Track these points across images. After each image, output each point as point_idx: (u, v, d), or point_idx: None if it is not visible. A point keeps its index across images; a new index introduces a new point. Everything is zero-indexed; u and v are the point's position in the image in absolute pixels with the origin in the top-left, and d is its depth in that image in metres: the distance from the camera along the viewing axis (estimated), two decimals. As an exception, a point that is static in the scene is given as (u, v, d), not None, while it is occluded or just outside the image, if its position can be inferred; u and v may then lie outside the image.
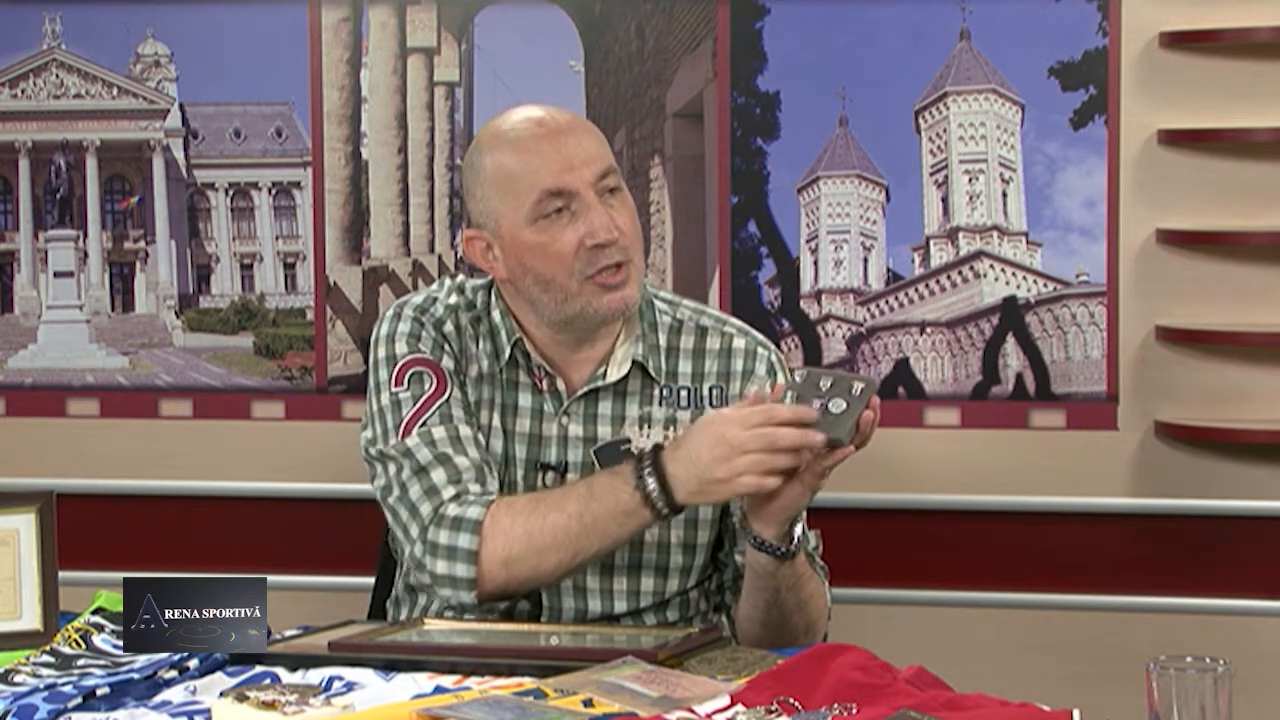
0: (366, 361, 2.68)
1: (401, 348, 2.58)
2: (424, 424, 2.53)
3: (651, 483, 2.38)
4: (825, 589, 2.60)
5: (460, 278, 2.69)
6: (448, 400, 2.55)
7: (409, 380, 2.56)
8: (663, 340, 2.61)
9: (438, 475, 2.50)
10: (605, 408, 2.58)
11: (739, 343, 2.63)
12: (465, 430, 2.54)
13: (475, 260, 2.58)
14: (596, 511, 2.42)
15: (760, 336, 2.68)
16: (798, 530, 2.42)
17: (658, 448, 2.41)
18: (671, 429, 2.58)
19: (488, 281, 2.64)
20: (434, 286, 2.66)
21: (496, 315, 2.59)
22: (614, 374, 2.57)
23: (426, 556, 2.47)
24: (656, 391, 2.59)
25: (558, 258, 2.49)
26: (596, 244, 2.48)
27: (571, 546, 2.43)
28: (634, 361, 2.57)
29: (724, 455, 2.33)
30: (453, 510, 2.47)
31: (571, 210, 2.49)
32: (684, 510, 2.42)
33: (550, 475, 2.57)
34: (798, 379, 2.35)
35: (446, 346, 2.58)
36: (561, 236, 2.49)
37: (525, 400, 2.59)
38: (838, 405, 2.32)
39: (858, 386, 2.33)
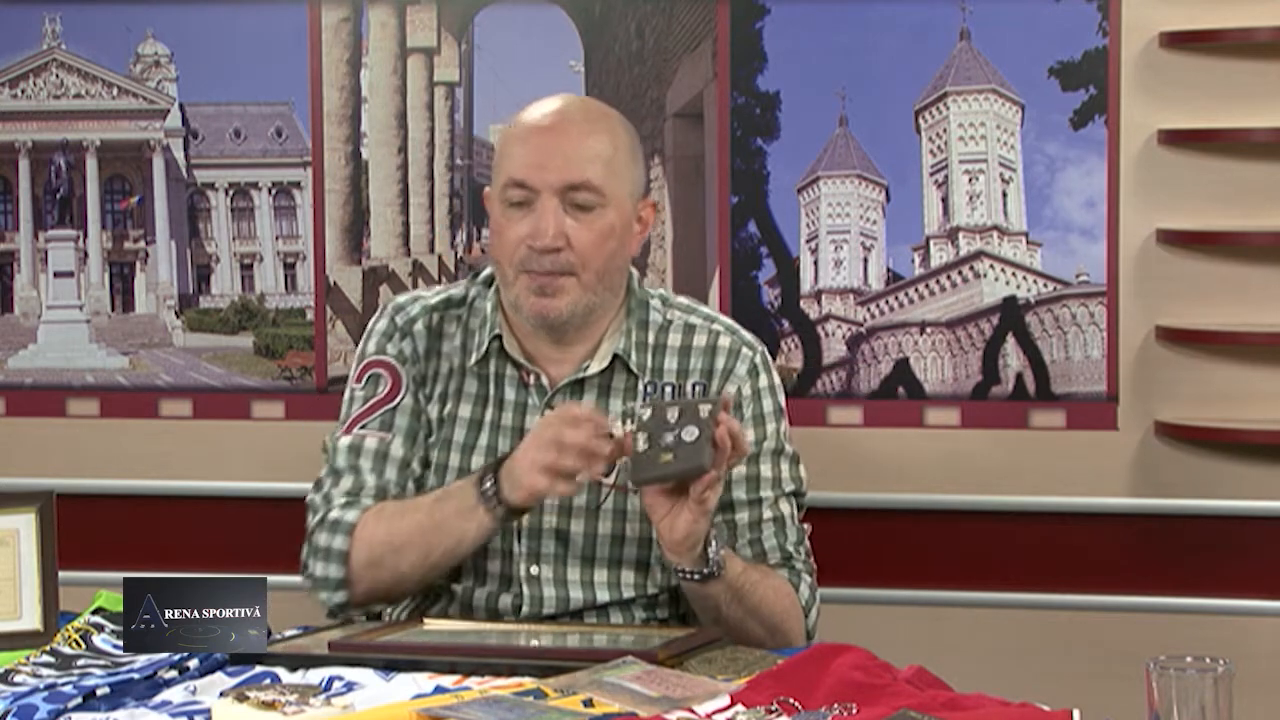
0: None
1: (371, 346, 2.68)
2: (364, 426, 2.62)
3: (489, 482, 2.43)
4: (804, 585, 2.59)
5: (474, 273, 2.73)
6: (395, 407, 2.63)
7: (367, 380, 2.66)
8: (651, 338, 2.63)
9: (345, 483, 2.60)
10: (589, 401, 2.59)
11: (724, 341, 2.65)
12: (396, 445, 2.61)
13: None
14: (446, 510, 2.48)
15: (748, 336, 2.68)
16: (711, 552, 2.43)
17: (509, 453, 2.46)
18: None
19: (489, 276, 2.67)
20: (433, 288, 2.73)
21: (488, 307, 2.63)
22: (596, 366, 2.60)
23: (309, 559, 2.58)
24: (640, 387, 2.60)
25: (505, 244, 2.56)
26: (531, 246, 2.52)
27: (423, 545, 2.49)
28: (615, 355, 2.59)
29: (524, 449, 2.40)
30: (334, 514, 2.57)
31: (531, 206, 2.54)
32: (520, 512, 2.46)
33: None
34: (644, 416, 2.34)
35: (414, 344, 2.64)
36: (513, 226, 2.55)
37: (509, 393, 2.61)
38: (690, 433, 2.30)
39: (704, 409, 2.31)
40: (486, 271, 2.69)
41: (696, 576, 2.43)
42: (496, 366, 2.62)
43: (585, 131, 2.58)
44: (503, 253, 2.56)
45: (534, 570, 2.57)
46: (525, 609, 2.56)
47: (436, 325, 2.66)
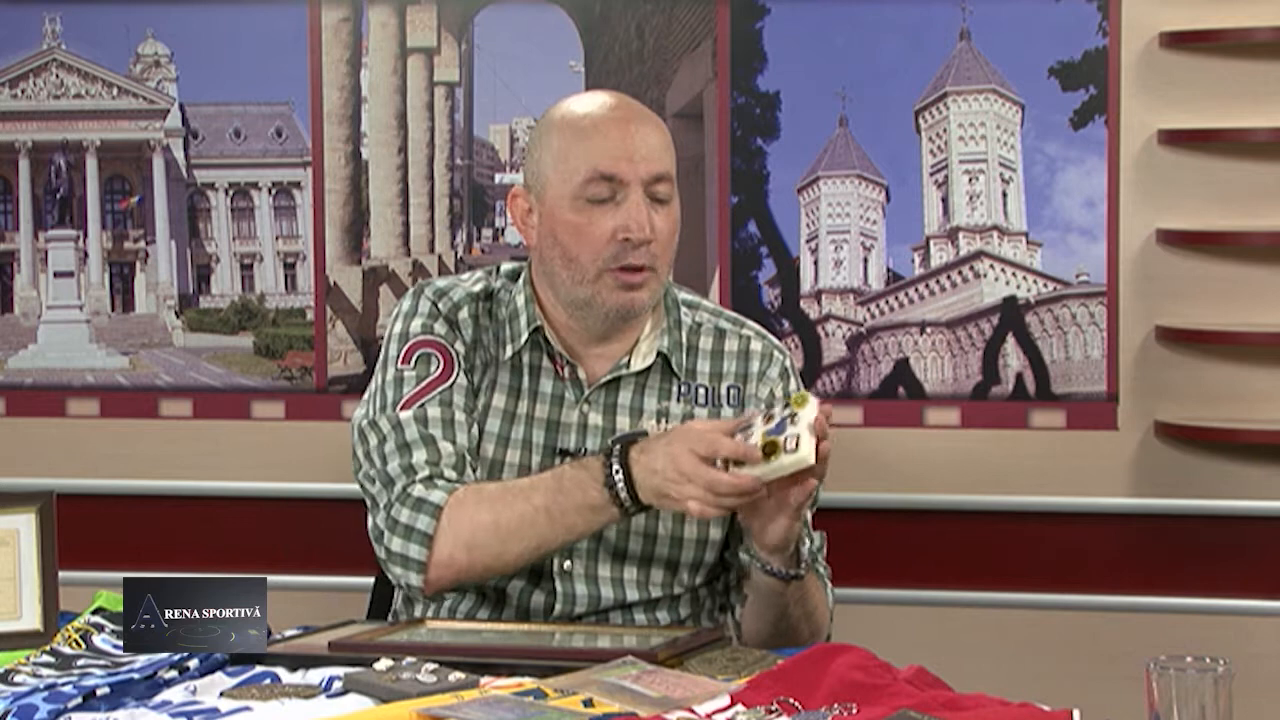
0: (371, 356, 2.69)
1: (415, 326, 2.59)
2: (421, 405, 2.55)
3: (619, 481, 2.39)
4: (828, 592, 2.61)
5: (490, 267, 2.70)
6: (451, 386, 2.56)
7: (416, 360, 2.58)
8: (685, 339, 2.62)
9: (418, 455, 2.52)
10: (625, 398, 2.59)
11: (756, 345, 2.65)
12: (460, 416, 2.55)
13: (514, 218, 2.61)
14: (564, 505, 2.43)
15: (776, 340, 2.70)
16: (804, 550, 2.45)
17: (627, 445, 2.41)
18: None
19: (513, 270, 2.65)
20: (463, 275, 2.68)
21: (520, 300, 2.60)
22: (638, 364, 2.58)
23: (385, 531, 2.50)
24: (675, 387, 2.60)
25: (589, 241, 2.50)
26: (628, 238, 2.49)
27: (536, 537, 2.45)
28: (659, 353, 2.58)
29: (674, 479, 2.35)
30: (418, 491, 2.49)
31: (615, 200, 2.50)
32: (649, 509, 2.43)
33: (570, 461, 2.57)
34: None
35: (459, 332, 2.59)
36: (599, 221, 2.49)
37: (546, 386, 2.59)
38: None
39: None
40: (508, 266, 2.67)
41: (784, 575, 2.43)
42: (531, 359, 2.60)
43: (654, 122, 2.56)
44: (584, 249, 2.50)
45: (566, 565, 2.56)
46: (558, 607, 2.55)
47: (480, 315, 2.61)
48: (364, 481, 2.59)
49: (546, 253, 2.55)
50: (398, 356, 2.59)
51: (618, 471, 2.38)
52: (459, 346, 2.58)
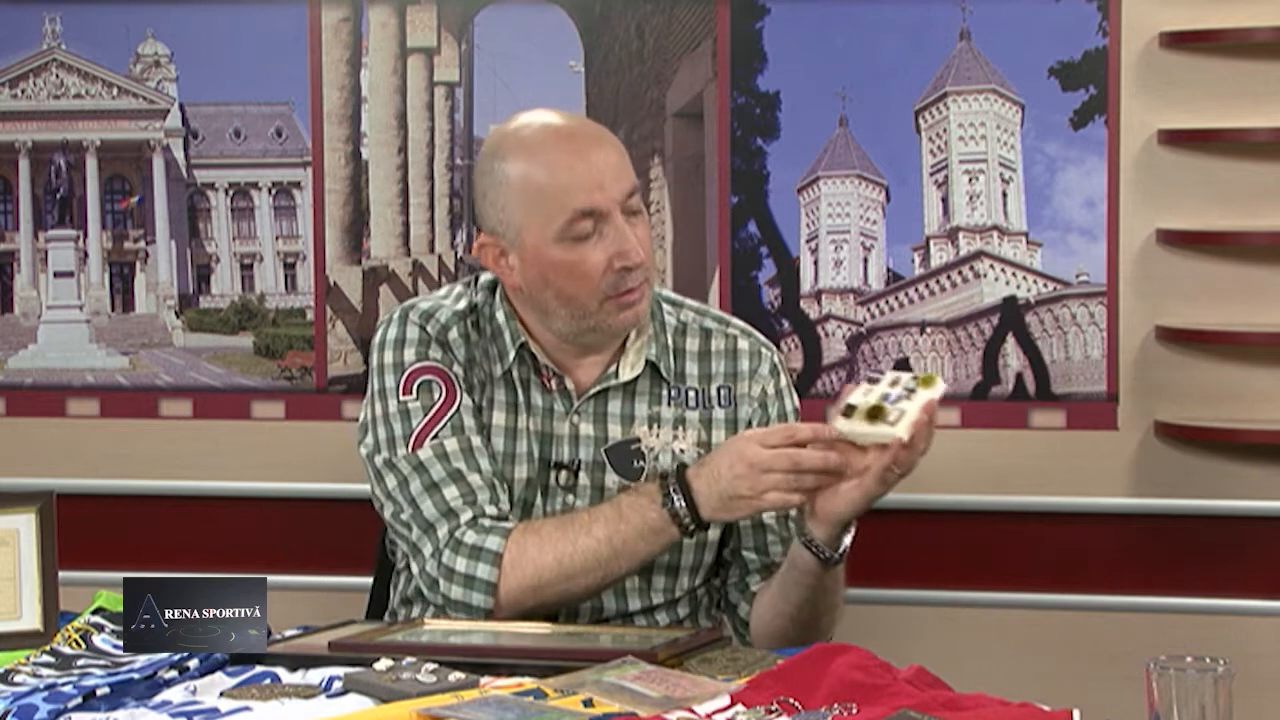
0: (367, 363, 2.67)
1: (409, 355, 2.56)
2: (435, 436, 2.53)
3: (678, 500, 2.41)
4: None
5: (468, 279, 2.68)
6: (458, 410, 2.54)
7: (418, 389, 2.55)
8: (670, 342, 2.62)
9: (451, 493, 2.50)
10: (615, 407, 2.58)
11: (743, 344, 2.65)
12: (477, 441, 2.53)
13: (488, 266, 2.56)
14: (626, 533, 2.44)
15: (762, 338, 2.69)
16: (846, 539, 2.45)
17: (682, 465, 2.46)
18: (680, 429, 2.59)
19: (489, 283, 2.63)
20: (440, 292, 2.65)
21: (501, 317, 2.58)
22: (626, 373, 2.57)
23: (441, 580, 2.49)
24: (665, 392, 2.59)
25: (584, 277, 2.48)
26: (625, 266, 2.47)
27: (602, 570, 2.46)
28: (647, 361, 2.58)
29: (745, 474, 2.37)
30: (471, 537, 2.48)
31: (600, 231, 2.48)
32: (709, 526, 2.45)
33: (563, 473, 2.57)
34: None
35: (453, 354, 2.57)
36: (590, 256, 2.47)
37: (536, 399, 2.58)
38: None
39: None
40: (486, 277, 2.63)
41: (823, 555, 2.44)
42: (520, 373, 2.58)
43: (608, 139, 2.54)
44: (582, 286, 2.48)
45: None
46: (561, 617, 2.54)
47: (469, 333, 2.58)
48: (396, 524, 2.56)
49: (537, 295, 2.52)
50: (397, 387, 2.56)
51: (675, 490, 2.41)
52: (456, 369, 2.56)
